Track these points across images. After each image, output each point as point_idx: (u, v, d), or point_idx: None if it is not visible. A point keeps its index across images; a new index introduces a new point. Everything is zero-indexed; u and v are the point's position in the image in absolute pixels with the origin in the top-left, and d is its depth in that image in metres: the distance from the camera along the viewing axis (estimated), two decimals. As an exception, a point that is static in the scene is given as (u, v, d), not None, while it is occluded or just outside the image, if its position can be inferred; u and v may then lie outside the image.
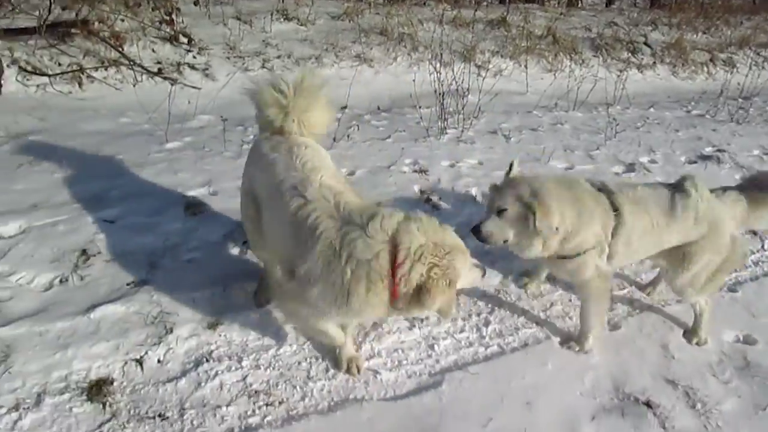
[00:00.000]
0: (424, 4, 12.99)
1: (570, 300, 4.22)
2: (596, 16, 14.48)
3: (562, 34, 12.45)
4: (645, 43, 13.30)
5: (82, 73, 7.52)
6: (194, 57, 8.68)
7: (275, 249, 3.22)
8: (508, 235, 3.37)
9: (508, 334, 3.86)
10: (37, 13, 7.46)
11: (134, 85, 7.76)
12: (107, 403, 3.05)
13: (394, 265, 2.65)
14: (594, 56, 12.30)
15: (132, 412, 3.04)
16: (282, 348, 3.55)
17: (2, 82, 6.85)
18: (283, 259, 3.05)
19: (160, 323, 3.57)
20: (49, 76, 7.21)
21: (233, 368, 3.36)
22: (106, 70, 7.76)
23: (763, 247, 5.27)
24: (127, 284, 3.87)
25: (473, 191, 5.71)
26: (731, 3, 17.69)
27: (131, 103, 7.24)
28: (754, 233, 5.43)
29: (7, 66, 7.05)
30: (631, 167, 6.78)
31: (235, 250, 4.37)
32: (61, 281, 3.85)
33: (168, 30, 8.70)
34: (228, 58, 8.93)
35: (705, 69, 13.39)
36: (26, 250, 4.07)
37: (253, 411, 3.11)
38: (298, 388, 3.29)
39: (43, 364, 3.20)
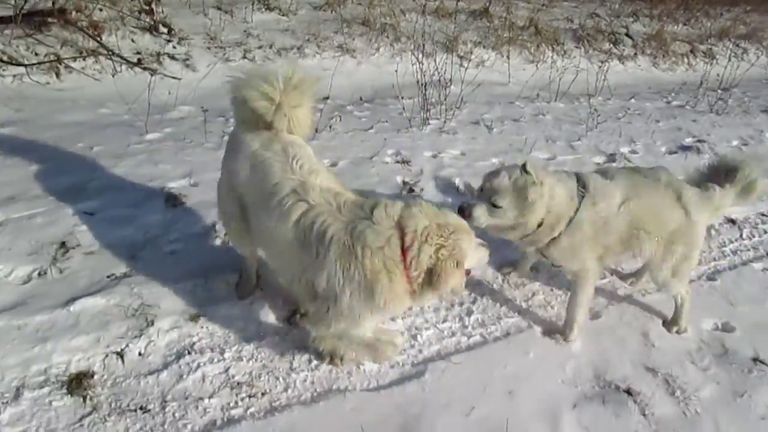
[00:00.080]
0: (407, -6, 12.93)
1: (552, 290, 4.26)
2: (578, 7, 14.50)
3: (544, 25, 12.46)
4: (626, 35, 13.36)
5: (60, 63, 7.38)
6: (174, 47, 8.56)
7: (280, 268, 3.16)
8: (504, 214, 3.35)
9: (490, 324, 3.89)
10: (12, 1, 7.30)
11: (113, 76, 7.64)
12: (88, 397, 3.02)
13: (403, 250, 2.69)
14: (576, 47, 12.33)
15: (113, 405, 3.01)
16: (264, 339, 3.53)
17: (-23, 72, 6.72)
18: (295, 277, 3.02)
19: (141, 316, 3.53)
20: (26, 66, 7.06)
21: (215, 360, 3.34)
22: (84, 60, 7.61)
23: (741, 236, 5.34)
24: (108, 277, 3.83)
25: (456, 181, 5.72)
26: (711, -6, 17.82)
27: (110, 94, 7.13)
28: (733, 222, 5.50)
29: (-17, 56, 6.91)
30: (612, 157, 6.84)
31: (216, 242, 4.35)
32: (39, 274, 3.80)
33: (147, 19, 8.56)
34: (209, 48, 8.82)
35: (685, 60, 13.50)
36: (3, 242, 4.01)
37: (236, 403, 3.10)
38: (280, 379, 3.28)
39: (22, 357, 3.15)
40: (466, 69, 8.66)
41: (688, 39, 14.21)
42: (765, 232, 5.46)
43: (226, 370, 3.30)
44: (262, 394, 3.17)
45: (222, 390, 3.17)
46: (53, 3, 7.63)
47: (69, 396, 3.01)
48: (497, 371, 3.45)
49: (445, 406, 3.17)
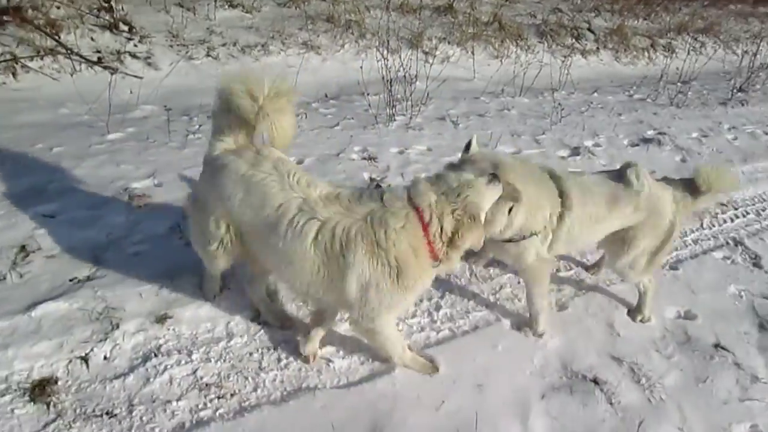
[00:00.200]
0: (371, -10, 12.92)
1: (519, 282, 4.29)
2: (541, 2, 14.66)
3: (507, 20, 12.58)
4: (588, 30, 13.55)
5: (16, 63, 7.20)
6: (135, 45, 8.41)
7: (301, 288, 3.09)
8: None
9: (458, 318, 3.91)
10: (-35, 0, 7.13)
11: (72, 75, 7.48)
12: (52, 403, 2.96)
13: (424, 226, 2.82)
14: (539, 42, 12.47)
15: (78, 411, 2.95)
16: (233, 340, 3.51)
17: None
18: (318, 291, 3.03)
19: (106, 319, 3.47)
20: (-20, 66, 6.90)
21: (183, 362, 3.30)
22: (42, 59, 7.44)
23: (702, 226, 5.46)
24: (70, 280, 3.75)
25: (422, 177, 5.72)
26: (670, -11, 18.18)
27: (70, 94, 6.97)
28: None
29: (-66, 56, 6.71)
30: (576, 151, 6.93)
31: (181, 242, 4.28)
32: (-2, 279, 3.70)
33: (107, 17, 8.40)
34: (171, 46, 8.69)
35: (646, 54, 13.76)
36: (-40, 247, 3.90)
37: (205, 404, 3.07)
38: (249, 379, 3.26)
39: (-18, 365, 3.07)
40: (431, 65, 8.71)
41: (648, 33, 14.48)
42: (724, 221, 5.60)
43: (194, 371, 3.26)
44: (231, 395, 3.14)
45: (190, 392, 3.13)
46: (8, 1, 7.43)
47: (32, 403, 2.95)
48: (466, 365, 3.47)
49: (416, 401, 3.18)
